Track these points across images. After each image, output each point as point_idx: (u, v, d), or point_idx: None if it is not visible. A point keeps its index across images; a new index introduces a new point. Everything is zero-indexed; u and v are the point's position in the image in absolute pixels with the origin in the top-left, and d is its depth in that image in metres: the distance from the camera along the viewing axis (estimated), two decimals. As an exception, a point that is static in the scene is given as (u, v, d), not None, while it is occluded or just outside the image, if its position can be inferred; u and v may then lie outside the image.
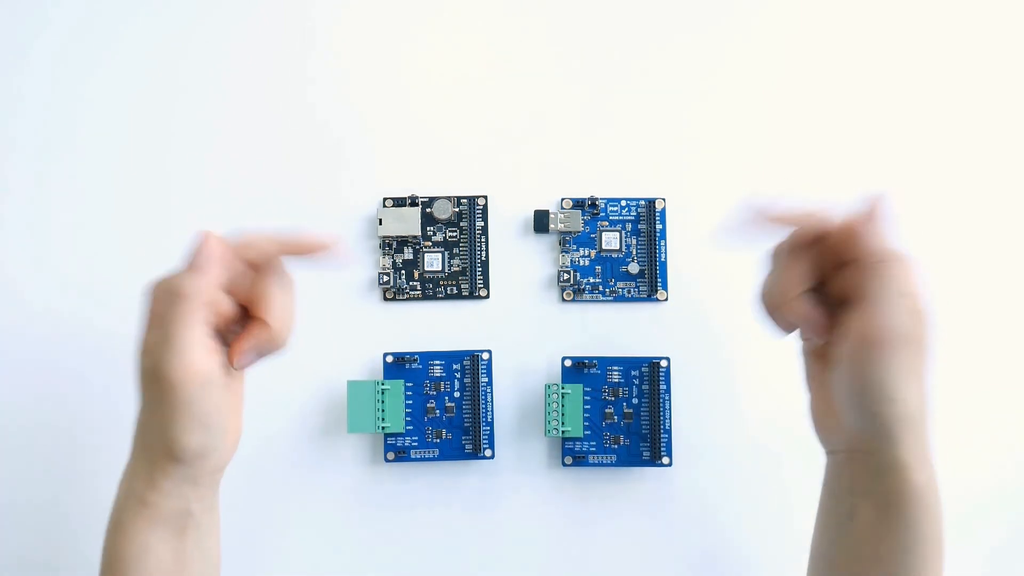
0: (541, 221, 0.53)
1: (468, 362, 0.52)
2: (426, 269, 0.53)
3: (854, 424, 0.37)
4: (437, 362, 0.52)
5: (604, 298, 0.53)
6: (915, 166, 0.54)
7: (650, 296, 0.53)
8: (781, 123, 0.54)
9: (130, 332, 0.53)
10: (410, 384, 0.52)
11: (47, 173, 0.54)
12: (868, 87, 0.54)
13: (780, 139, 0.54)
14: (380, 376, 0.52)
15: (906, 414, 0.36)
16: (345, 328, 0.53)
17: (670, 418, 0.52)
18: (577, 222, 0.53)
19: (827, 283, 0.39)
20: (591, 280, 0.53)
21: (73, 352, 0.53)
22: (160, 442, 0.37)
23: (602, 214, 0.53)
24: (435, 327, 0.53)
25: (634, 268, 0.53)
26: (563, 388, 0.50)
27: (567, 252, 0.53)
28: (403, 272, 0.53)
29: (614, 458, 0.52)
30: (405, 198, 0.53)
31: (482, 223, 0.54)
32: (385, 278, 0.53)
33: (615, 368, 0.52)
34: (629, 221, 0.54)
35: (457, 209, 0.54)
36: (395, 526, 0.52)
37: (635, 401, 0.52)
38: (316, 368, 0.52)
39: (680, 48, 0.55)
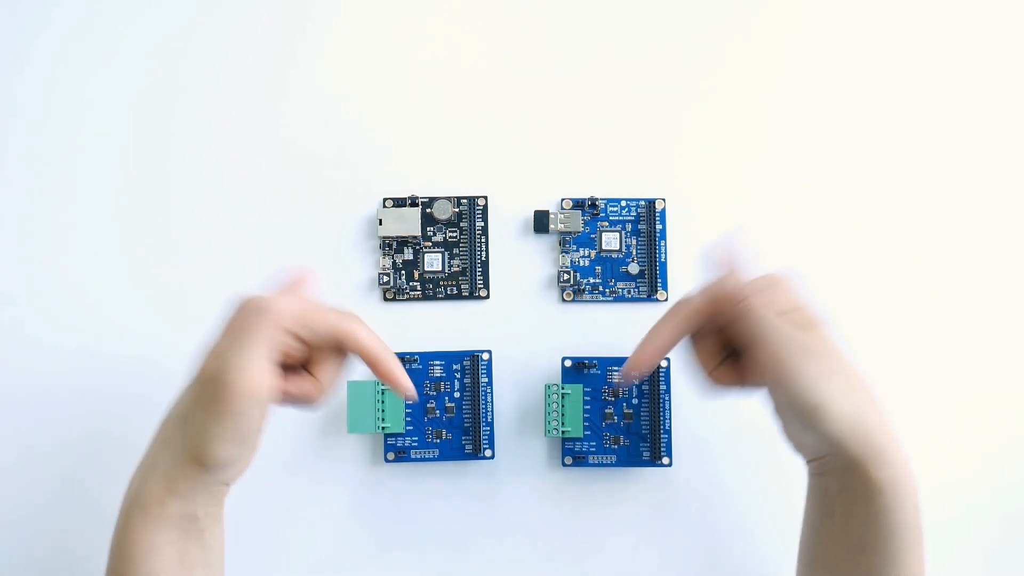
0: (541, 221, 0.53)
1: (468, 362, 0.52)
2: (426, 269, 0.53)
3: (805, 438, 0.39)
4: (437, 362, 0.52)
5: (604, 298, 0.53)
6: (915, 166, 0.54)
7: (650, 296, 0.53)
8: (781, 123, 0.54)
9: (130, 331, 0.53)
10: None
11: (45, 173, 0.54)
12: (868, 87, 0.54)
13: (780, 139, 0.54)
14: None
15: (840, 416, 0.37)
16: (345, 328, 0.53)
17: (670, 418, 0.52)
18: (577, 222, 0.53)
19: (731, 340, 0.41)
20: (591, 280, 0.53)
21: (73, 351, 0.53)
22: (193, 445, 0.38)
23: (602, 214, 0.53)
24: (435, 327, 0.53)
25: (634, 268, 0.53)
26: (563, 388, 0.50)
27: (567, 252, 0.53)
28: (403, 272, 0.53)
29: (614, 458, 0.52)
30: (405, 198, 0.53)
31: (482, 223, 0.54)
32: (385, 278, 0.53)
33: (615, 368, 0.52)
34: (629, 221, 0.54)
35: (457, 209, 0.54)
36: (395, 526, 0.52)
37: (635, 401, 0.52)
38: (316, 368, 0.52)
39: (680, 48, 0.55)
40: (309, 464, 0.52)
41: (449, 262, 0.53)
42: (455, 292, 0.53)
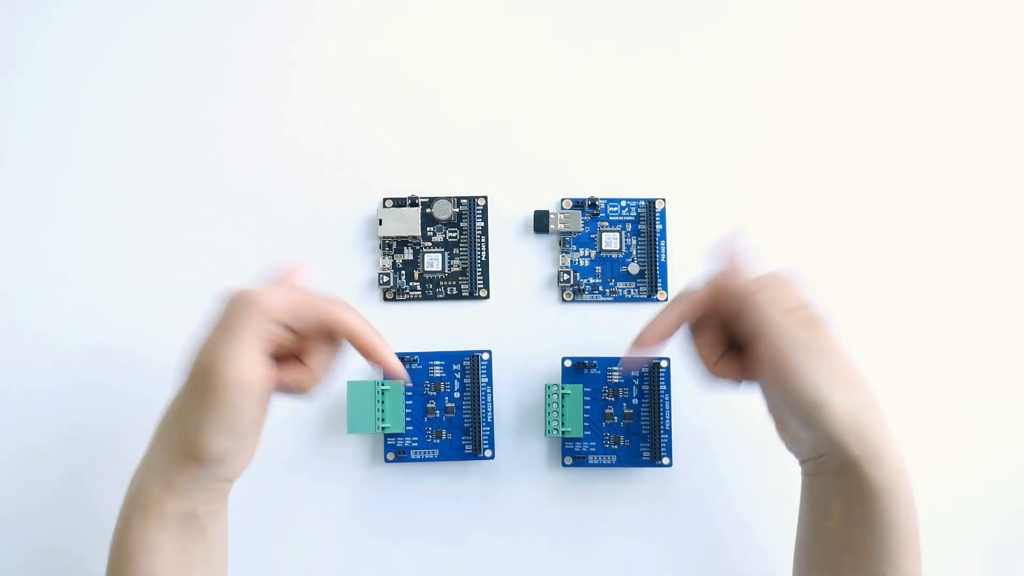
0: (541, 221, 0.53)
1: (468, 362, 0.52)
2: (426, 269, 0.53)
3: (803, 436, 0.40)
4: (437, 362, 0.52)
5: (604, 298, 0.53)
6: (915, 166, 0.54)
7: (650, 296, 0.53)
8: (781, 123, 0.54)
9: (129, 331, 0.53)
10: (410, 384, 0.52)
11: (45, 173, 0.54)
12: (868, 87, 0.54)
13: (780, 139, 0.54)
14: (380, 376, 0.52)
15: (841, 416, 0.37)
16: (345, 328, 0.53)
17: (670, 418, 0.52)
18: (577, 222, 0.53)
19: (734, 334, 0.41)
20: (591, 280, 0.53)
21: (72, 350, 0.53)
22: (187, 440, 0.38)
23: (602, 214, 0.53)
24: (435, 327, 0.53)
25: (634, 268, 0.53)
26: (563, 388, 0.50)
27: (567, 252, 0.53)
28: (403, 272, 0.53)
29: (614, 458, 0.52)
30: (405, 198, 0.53)
31: (482, 223, 0.54)
32: (385, 278, 0.53)
33: (615, 368, 0.52)
34: (629, 221, 0.54)
35: (457, 209, 0.54)
36: (395, 526, 0.52)
37: (635, 401, 0.52)
38: (316, 368, 0.52)
39: (680, 48, 0.55)
40: (309, 464, 0.52)
41: (449, 262, 0.53)
42: (455, 292, 0.53)
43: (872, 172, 0.54)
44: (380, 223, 0.53)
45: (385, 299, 0.53)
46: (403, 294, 0.53)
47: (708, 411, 0.52)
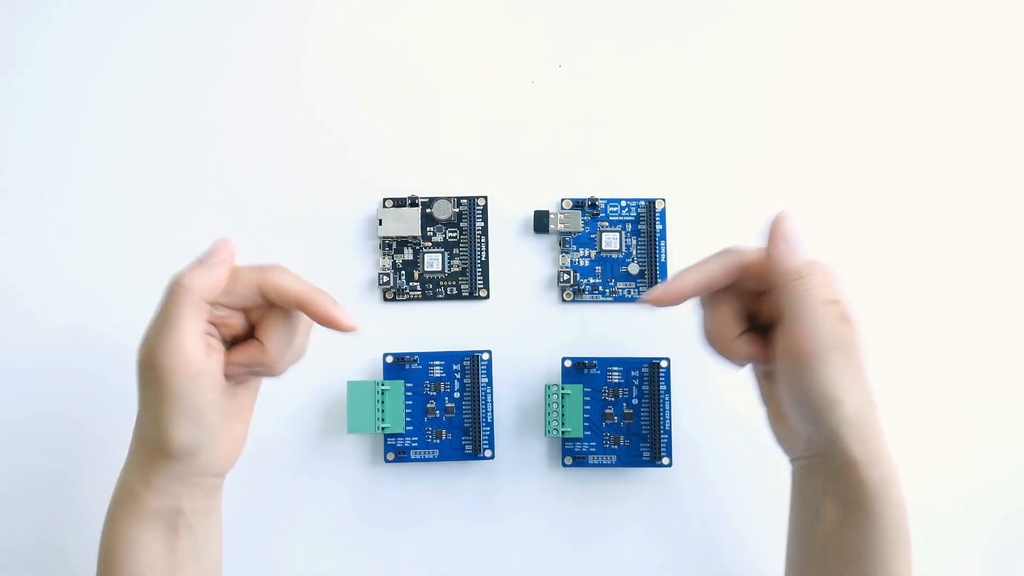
0: (541, 221, 0.53)
1: (468, 362, 0.52)
2: (426, 269, 0.53)
3: (804, 432, 0.39)
4: (437, 362, 0.52)
5: (604, 298, 0.53)
6: (915, 166, 0.54)
7: (650, 296, 0.53)
8: (781, 123, 0.54)
9: (128, 331, 0.53)
10: (410, 384, 0.52)
11: (46, 173, 0.54)
12: (868, 87, 0.54)
13: (780, 139, 0.54)
14: (380, 376, 0.52)
15: (850, 415, 0.37)
16: (345, 328, 0.53)
17: (670, 418, 0.52)
18: (577, 222, 0.53)
19: (758, 312, 0.41)
20: (591, 280, 0.53)
21: (71, 352, 0.53)
22: (152, 436, 0.37)
23: (602, 214, 0.53)
24: (435, 327, 0.53)
25: (634, 268, 0.53)
26: (563, 388, 0.50)
27: (567, 252, 0.53)
28: (403, 272, 0.53)
29: (614, 458, 0.52)
30: (405, 198, 0.53)
31: (482, 223, 0.54)
32: (385, 278, 0.53)
33: (615, 368, 0.52)
34: (629, 221, 0.53)
35: (457, 209, 0.54)
36: (395, 526, 0.52)
37: (635, 401, 0.52)
38: (316, 368, 0.52)
39: (680, 48, 0.55)
40: (309, 464, 0.52)
41: (449, 262, 0.53)
42: (455, 292, 0.53)
43: (872, 172, 0.54)
44: (380, 223, 0.53)
45: (385, 299, 0.53)
46: (403, 294, 0.53)
47: (708, 411, 0.52)
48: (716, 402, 0.52)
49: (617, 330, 0.53)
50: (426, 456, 0.52)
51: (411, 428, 0.52)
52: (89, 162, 0.54)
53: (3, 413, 0.52)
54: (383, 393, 0.50)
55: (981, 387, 0.53)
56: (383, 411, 0.50)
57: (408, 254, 0.54)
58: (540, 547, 0.52)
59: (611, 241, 0.53)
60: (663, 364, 0.52)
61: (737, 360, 0.41)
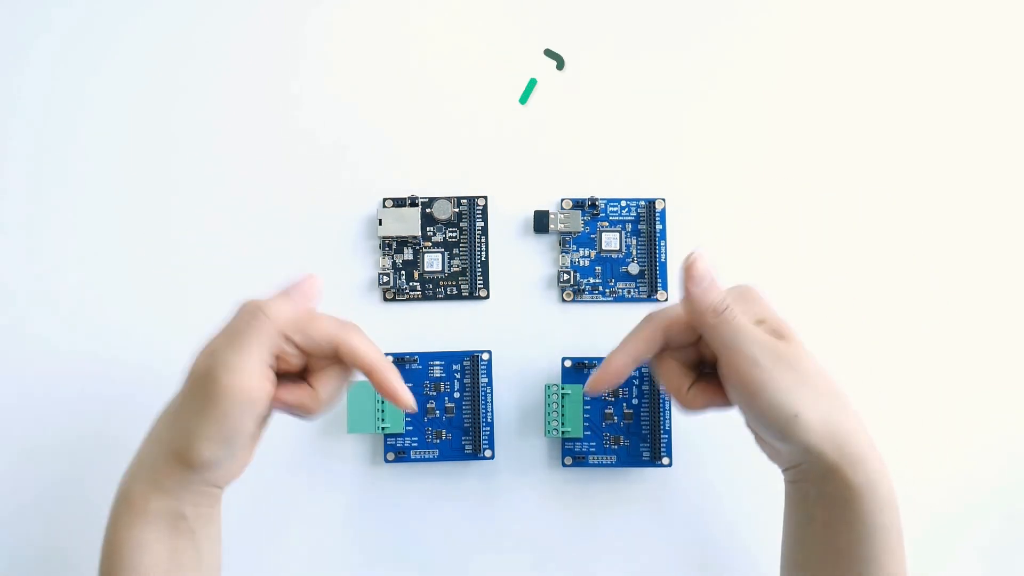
0: (541, 221, 0.53)
1: (468, 362, 0.52)
2: (426, 269, 0.53)
3: (781, 449, 0.40)
4: (437, 362, 0.52)
5: (604, 298, 0.53)
6: (915, 167, 0.54)
7: (650, 296, 0.53)
8: (781, 124, 0.54)
9: (129, 332, 0.53)
10: (410, 384, 0.52)
11: (46, 174, 0.54)
12: (868, 88, 0.54)
13: (780, 139, 0.54)
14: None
15: (815, 424, 0.37)
16: (345, 328, 0.53)
17: (670, 418, 0.52)
18: (577, 222, 0.53)
19: (703, 358, 0.41)
20: (591, 280, 0.53)
21: (71, 352, 0.53)
22: (179, 443, 0.37)
23: (602, 214, 0.53)
24: (435, 327, 0.53)
25: (634, 268, 0.53)
26: (563, 388, 0.50)
27: (567, 252, 0.53)
28: (403, 272, 0.53)
29: (614, 458, 0.52)
30: (405, 198, 0.53)
31: (482, 223, 0.54)
32: (385, 278, 0.53)
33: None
34: (629, 221, 0.53)
35: (457, 209, 0.54)
36: (395, 526, 0.52)
37: (635, 401, 0.52)
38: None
39: (680, 48, 0.55)
40: (309, 464, 0.52)
41: (449, 262, 0.53)
42: (455, 292, 0.53)
43: (872, 172, 0.54)
44: (380, 223, 0.53)
45: (385, 299, 0.53)
46: (403, 294, 0.53)
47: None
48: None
49: (617, 330, 0.53)
50: (426, 456, 0.52)
51: (411, 428, 0.52)
52: (89, 162, 0.54)
53: (4, 416, 0.52)
54: (383, 393, 0.50)
55: (980, 387, 0.53)
56: (383, 411, 0.50)
57: (408, 254, 0.54)
58: (540, 547, 0.52)
59: (611, 241, 0.53)
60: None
61: (696, 409, 0.41)
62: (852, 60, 0.55)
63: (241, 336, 0.37)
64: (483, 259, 0.53)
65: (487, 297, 0.53)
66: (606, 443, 0.52)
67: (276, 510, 0.52)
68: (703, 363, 0.42)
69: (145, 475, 0.38)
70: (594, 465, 0.52)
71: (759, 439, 0.42)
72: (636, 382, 0.52)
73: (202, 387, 0.37)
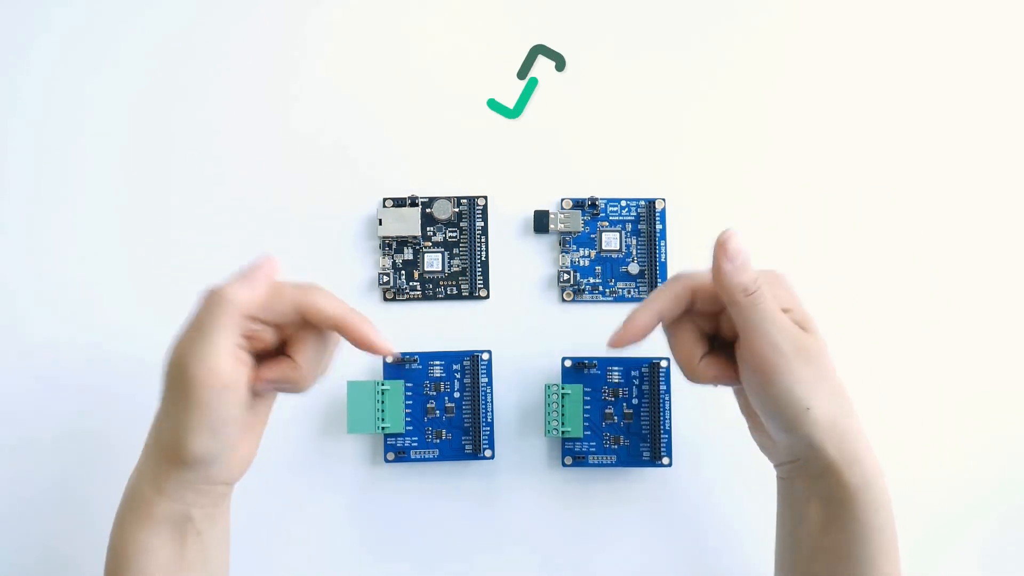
0: (541, 221, 0.53)
1: (468, 362, 0.52)
2: (426, 269, 0.53)
3: (781, 440, 0.39)
4: (437, 362, 0.52)
5: (604, 298, 0.53)
6: (914, 166, 0.54)
7: (650, 296, 0.53)
8: (781, 123, 0.54)
9: (128, 330, 0.53)
10: (410, 384, 0.52)
11: (46, 174, 0.54)
12: (868, 88, 0.54)
13: (780, 139, 0.54)
14: (380, 376, 0.52)
15: (822, 420, 0.37)
16: (345, 328, 0.53)
17: (670, 418, 0.52)
18: (577, 222, 0.53)
19: (718, 331, 0.41)
20: (591, 280, 0.53)
21: (71, 354, 0.53)
22: (169, 442, 0.37)
23: (602, 214, 0.53)
24: (435, 327, 0.53)
25: (634, 268, 0.53)
26: (563, 388, 0.50)
27: (567, 252, 0.53)
28: (403, 272, 0.53)
29: (614, 458, 0.52)
30: (405, 198, 0.53)
31: (482, 223, 0.54)
32: (385, 278, 0.53)
33: (615, 368, 0.52)
34: (629, 221, 0.54)
35: (457, 209, 0.54)
36: (395, 526, 0.52)
37: (635, 401, 0.52)
38: (316, 368, 0.52)
39: (680, 48, 0.55)
40: (309, 464, 0.52)
41: (449, 262, 0.53)
42: (455, 292, 0.53)
43: (872, 172, 0.54)
44: (380, 223, 0.53)
45: (385, 299, 0.53)
46: (403, 294, 0.53)
47: (708, 411, 0.52)
48: (716, 402, 0.52)
49: (617, 330, 0.53)
50: (426, 456, 0.52)
51: (411, 428, 0.52)
52: (89, 161, 0.54)
53: (4, 416, 0.52)
54: (383, 393, 0.50)
55: (980, 387, 0.53)
56: (383, 411, 0.50)
57: (408, 254, 0.54)
58: (540, 547, 0.52)
59: (611, 241, 0.53)
60: (663, 364, 0.52)
61: (704, 382, 0.41)
62: (852, 60, 0.55)
63: (205, 324, 0.36)
64: (483, 259, 0.54)
65: (487, 297, 0.53)
66: (606, 443, 0.52)
67: (276, 510, 0.52)
68: (717, 336, 0.41)
69: (147, 480, 0.38)
70: (594, 465, 0.52)
71: (755, 429, 0.42)
72: (636, 382, 0.52)
73: (177, 382, 0.36)
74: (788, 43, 0.55)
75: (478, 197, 0.54)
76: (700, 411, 0.52)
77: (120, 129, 0.54)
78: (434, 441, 0.52)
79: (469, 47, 0.55)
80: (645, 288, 0.53)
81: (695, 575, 0.52)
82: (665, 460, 0.51)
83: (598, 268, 0.53)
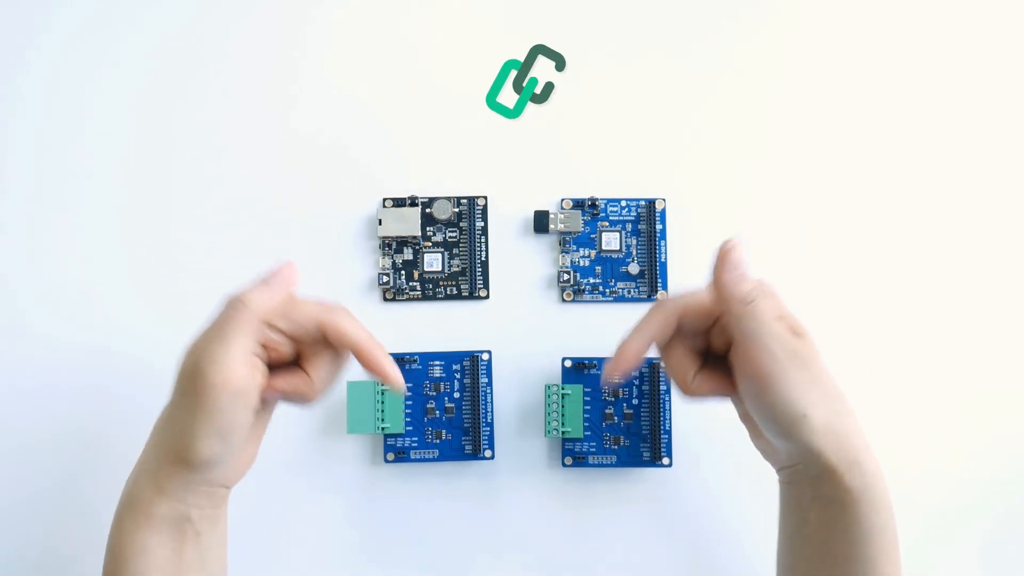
0: (541, 221, 0.53)
1: (468, 362, 0.52)
2: (426, 269, 0.53)
3: (780, 447, 0.40)
4: (437, 362, 0.52)
5: (604, 298, 0.53)
6: (915, 167, 0.54)
7: (650, 296, 0.53)
8: (781, 124, 0.54)
9: (128, 330, 0.53)
10: (410, 384, 0.52)
11: (46, 174, 0.54)
12: (868, 88, 0.54)
13: (780, 140, 0.54)
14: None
15: (819, 425, 0.38)
16: (345, 328, 0.53)
17: (670, 418, 0.52)
18: (577, 222, 0.53)
19: (709, 346, 0.42)
20: (591, 280, 0.53)
21: (72, 349, 0.53)
22: (177, 444, 0.37)
23: (602, 214, 0.53)
24: (435, 327, 0.53)
25: (634, 268, 0.53)
26: (563, 388, 0.50)
27: (567, 252, 0.53)
28: (403, 272, 0.53)
29: (614, 459, 0.52)
30: (405, 198, 0.53)
31: (482, 223, 0.54)
32: (385, 278, 0.53)
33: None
34: (629, 221, 0.53)
35: (457, 209, 0.54)
36: (395, 526, 0.52)
37: (635, 401, 0.52)
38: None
39: (681, 49, 0.55)
40: (309, 464, 0.52)
41: (449, 262, 0.53)
42: (455, 292, 0.53)
43: (872, 172, 0.54)
44: (380, 223, 0.53)
45: (385, 299, 0.53)
46: (403, 294, 0.53)
47: (708, 411, 0.52)
48: (716, 402, 0.52)
49: (617, 330, 0.53)
50: (426, 456, 0.52)
51: (411, 428, 0.52)
52: (90, 161, 0.54)
53: (4, 415, 0.52)
54: (383, 393, 0.50)
55: (979, 387, 0.53)
56: (383, 411, 0.50)
57: (408, 254, 0.54)
58: (540, 547, 0.52)
59: (611, 241, 0.53)
60: (663, 364, 0.51)
61: (699, 397, 0.42)
62: (852, 60, 0.55)
63: (224, 329, 0.37)
64: (483, 259, 0.53)
65: (487, 297, 0.53)
66: (606, 443, 0.52)
67: (276, 510, 0.52)
68: (709, 351, 0.42)
69: (148, 479, 0.38)
70: (594, 465, 0.52)
71: (755, 435, 0.43)
72: (636, 382, 0.52)
73: (191, 384, 0.36)
74: (788, 43, 0.55)
75: (478, 197, 0.54)
76: (700, 411, 0.52)
77: (120, 129, 0.54)
78: (434, 441, 0.52)
79: (469, 47, 0.55)
80: (645, 288, 0.53)
81: (695, 575, 0.52)
82: (665, 460, 0.51)
83: (598, 268, 0.53)
